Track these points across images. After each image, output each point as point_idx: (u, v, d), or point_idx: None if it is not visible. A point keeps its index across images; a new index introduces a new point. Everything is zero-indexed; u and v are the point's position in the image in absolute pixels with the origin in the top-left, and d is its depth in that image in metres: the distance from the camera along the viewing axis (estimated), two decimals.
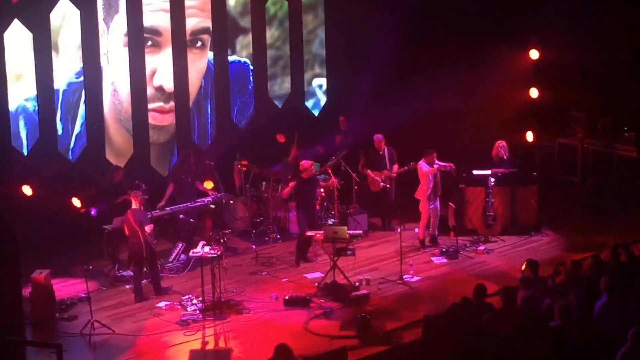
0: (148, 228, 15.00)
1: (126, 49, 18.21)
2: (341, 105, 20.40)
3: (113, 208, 16.23)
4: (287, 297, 14.67)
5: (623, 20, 19.19)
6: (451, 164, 16.80)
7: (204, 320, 14.13)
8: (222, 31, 19.54)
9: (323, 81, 21.10)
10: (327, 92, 21.14)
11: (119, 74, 18.25)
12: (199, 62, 19.29)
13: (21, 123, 17.18)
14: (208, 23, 19.28)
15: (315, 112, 21.07)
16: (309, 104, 21.04)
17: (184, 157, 17.48)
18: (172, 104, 18.99)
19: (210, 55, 19.45)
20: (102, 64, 17.96)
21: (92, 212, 16.64)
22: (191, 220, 16.87)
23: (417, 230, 17.19)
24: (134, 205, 15.11)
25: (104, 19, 17.95)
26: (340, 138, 19.24)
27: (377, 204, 18.20)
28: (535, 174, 18.11)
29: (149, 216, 15.49)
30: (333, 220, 17.51)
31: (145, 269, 15.30)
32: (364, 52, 20.40)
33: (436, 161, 16.77)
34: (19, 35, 16.89)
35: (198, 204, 16.84)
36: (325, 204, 17.81)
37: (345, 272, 15.25)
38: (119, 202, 16.20)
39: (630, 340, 10.40)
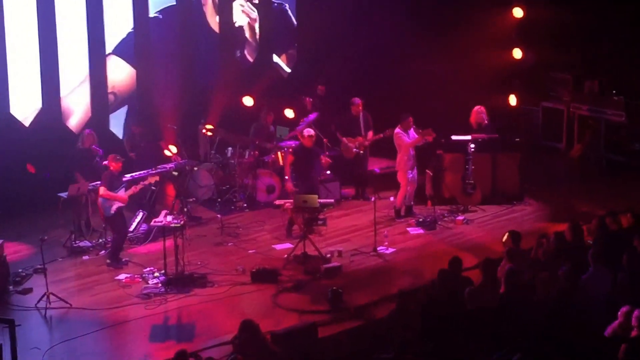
0: (121, 192, 15.33)
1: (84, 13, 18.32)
2: (312, 61, 20.57)
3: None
4: (254, 270, 14.63)
5: None
6: (430, 132, 16.69)
7: (167, 294, 14.15)
8: None
9: None
10: (298, 49, 21.27)
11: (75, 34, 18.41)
12: None
13: None
14: None
15: (287, 69, 21.32)
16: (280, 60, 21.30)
17: (127, 129, 18.40)
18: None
19: None
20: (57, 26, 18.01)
21: (46, 175, 17.12)
22: (153, 187, 16.83)
23: (392, 199, 17.23)
24: (111, 169, 15.57)
25: None
26: (312, 102, 19.26)
27: (351, 172, 18.27)
28: (517, 140, 18.38)
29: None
30: None
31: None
32: (337, 16, 20.47)
33: (413, 129, 16.71)
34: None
35: (159, 170, 16.82)
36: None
37: (316, 243, 15.28)
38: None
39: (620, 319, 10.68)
